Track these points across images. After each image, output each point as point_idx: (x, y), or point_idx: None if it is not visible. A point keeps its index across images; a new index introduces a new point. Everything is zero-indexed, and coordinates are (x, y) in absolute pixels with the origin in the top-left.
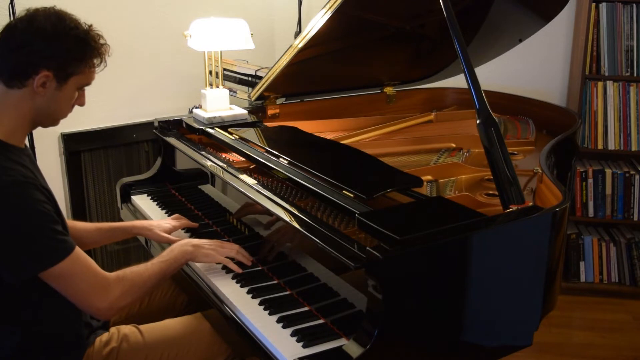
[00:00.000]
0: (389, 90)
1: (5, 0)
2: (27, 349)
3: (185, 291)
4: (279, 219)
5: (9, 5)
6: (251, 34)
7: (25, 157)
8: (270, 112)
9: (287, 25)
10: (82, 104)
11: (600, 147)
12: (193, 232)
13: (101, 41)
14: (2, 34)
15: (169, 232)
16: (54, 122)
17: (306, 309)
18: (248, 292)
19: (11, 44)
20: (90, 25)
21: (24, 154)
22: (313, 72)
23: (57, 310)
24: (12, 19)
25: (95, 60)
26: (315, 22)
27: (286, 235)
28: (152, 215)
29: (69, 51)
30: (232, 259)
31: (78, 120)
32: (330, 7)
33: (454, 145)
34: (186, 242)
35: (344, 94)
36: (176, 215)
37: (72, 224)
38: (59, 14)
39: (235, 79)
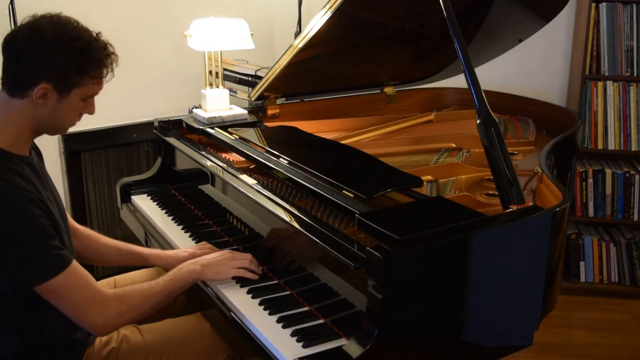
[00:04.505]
0: (389, 90)
1: (5, 1)
2: (27, 351)
3: (185, 291)
4: (297, 232)
5: (9, 5)
6: (251, 34)
7: (27, 166)
8: (270, 112)
9: (287, 25)
10: (91, 112)
11: (600, 147)
12: (193, 232)
13: (106, 51)
14: (5, 41)
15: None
16: (58, 131)
17: (306, 309)
18: (248, 292)
19: (11, 53)
20: (98, 34)
21: (26, 162)
22: (313, 72)
23: (57, 311)
24: (12, 18)
25: (98, 72)
26: (315, 22)
27: (297, 247)
28: (152, 215)
29: (69, 63)
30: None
31: None
32: (330, 7)
33: (454, 145)
34: (195, 262)
35: (344, 94)
36: (202, 243)
37: (95, 236)
38: (62, 23)
39: (235, 79)
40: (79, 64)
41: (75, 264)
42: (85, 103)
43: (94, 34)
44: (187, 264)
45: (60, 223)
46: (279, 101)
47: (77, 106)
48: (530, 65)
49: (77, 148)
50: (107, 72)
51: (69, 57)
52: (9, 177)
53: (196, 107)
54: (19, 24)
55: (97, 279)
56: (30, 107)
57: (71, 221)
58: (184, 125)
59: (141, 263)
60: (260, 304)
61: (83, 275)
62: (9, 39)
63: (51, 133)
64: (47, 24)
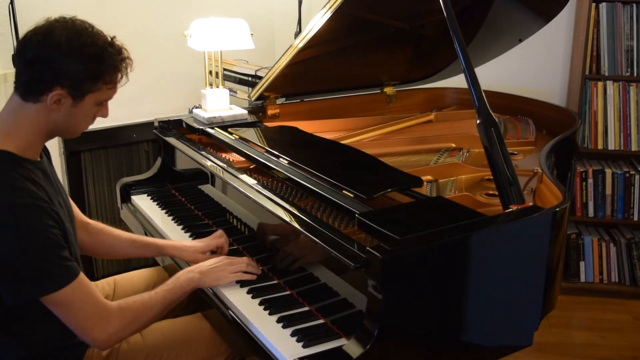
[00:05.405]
0: (389, 90)
1: (5, 0)
2: (28, 355)
3: None
4: (297, 232)
5: (9, 5)
6: (251, 34)
7: (39, 171)
8: (270, 112)
9: (287, 25)
10: (104, 115)
11: (600, 147)
12: (193, 232)
13: (121, 56)
14: (18, 46)
15: (203, 250)
16: (72, 135)
17: (306, 309)
18: (248, 292)
19: (24, 57)
20: (113, 38)
21: (38, 167)
22: (313, 72)
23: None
24: (12, 18)
25: (112, 78)
26: (315, 22)
27: (297, 248)
28: (152, 215)
29: (83, 70)
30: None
31: None
32: (330, 7)
33: (454, 145)
34: (192, 269)
35: (344, 94)
36: (219, 232)
37: (108, 229)
38: (76, 29)
39: (235, 79)
40: (94, 70)
41: (82, 276)
42: (99, 107)
43: (109, 39)
44: (185, 272)
45: (69, 229)
46: (279, 101)
47: (90, 111)
48: (530, 65)
49: (77, 148)
50: (122, 77)
51: (84, 64)
52: (21, 184)
53: (196, 107)
54: (18, 23)
55: (97, 279)
56: (43, 111)
57: (83, 216)
58: (184, 125)
59: (156, 254)
60: (260, 304)
61: (88, 287)
62: (23, 44)
63: (64, 136)
64: (62, 29)
